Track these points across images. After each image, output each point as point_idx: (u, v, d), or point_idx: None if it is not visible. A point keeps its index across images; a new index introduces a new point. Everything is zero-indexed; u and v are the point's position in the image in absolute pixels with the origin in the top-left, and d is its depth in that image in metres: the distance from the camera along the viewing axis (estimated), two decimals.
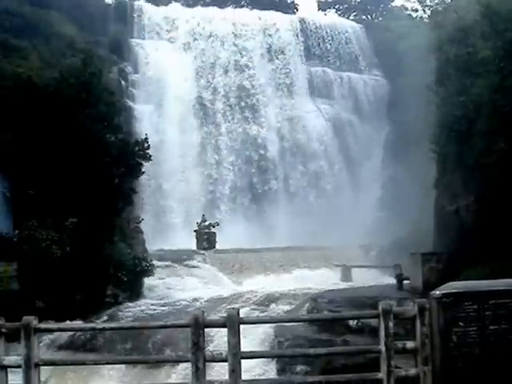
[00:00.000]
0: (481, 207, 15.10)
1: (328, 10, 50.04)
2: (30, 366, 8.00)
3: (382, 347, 7.94)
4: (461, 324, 7.73)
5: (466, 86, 15.66)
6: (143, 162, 20.87)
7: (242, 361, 7.89)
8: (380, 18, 46.30)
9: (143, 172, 21.38)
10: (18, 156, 17.18)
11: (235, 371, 7.81)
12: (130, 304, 18.37)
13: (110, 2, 37.01)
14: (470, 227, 15.50)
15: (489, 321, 7.72)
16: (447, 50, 17.41)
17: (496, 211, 14.19)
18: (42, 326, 8.48)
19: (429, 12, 22.88)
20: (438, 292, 7.93)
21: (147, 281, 20.28)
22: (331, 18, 46.64)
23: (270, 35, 38.80)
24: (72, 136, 17.84)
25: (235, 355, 7.83)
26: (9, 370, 8.23)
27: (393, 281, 17.21)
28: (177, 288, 20.91)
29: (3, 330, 8.14)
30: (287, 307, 16.13)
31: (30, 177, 17.49)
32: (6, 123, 17.33)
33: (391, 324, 7.94)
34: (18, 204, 17.87)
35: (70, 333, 14.22)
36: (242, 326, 8.00)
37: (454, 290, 7.90)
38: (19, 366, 8.08)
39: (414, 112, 24.09)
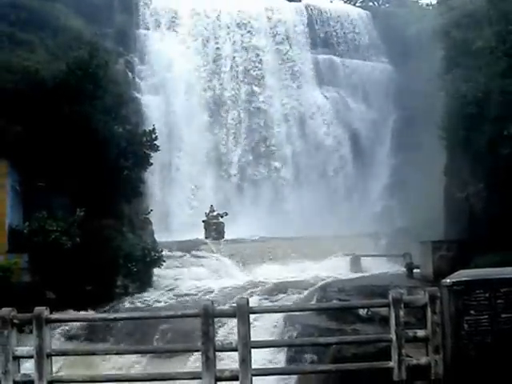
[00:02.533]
0: (491, 194, 14.99)
1: None
2: (42, 357, 8.08)
3: (393, 336, 7.93)
4: (472, 312, 7.70)
5: (474, 71, 15.51)
6: (151, 153, 20.89)
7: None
8: (387, 5, 45.77)
9: (151, 163, 21.39)
10: (28, 148, 17.22)
11: (245, 360, 7.84)
12: (140, 294, 18.45)
13: None
14: (481, 214, 15.40)
15: (501, 309, 7.68)
16: (454, 36, 17.26)
17: (507, 198, 14.08)
18: (54, 316, 8.55)
19: None
20: (448, 280, 7.89)
21: (157, 271, 20.34)
22: (337, 4, 46.09)
23: (275, 23, 38.49)
24: (80, 128, 17.85)
25: (245, 344, 7.85)
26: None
27: (403, 269, 17.17)
28: (186, 278, 20.95)
29: (15, 321, 8.22)
30: (296, 296, 16.14)
31: (40, 169, 17.53)
32: (15, 116, 17.34)
33: (402, 313, 7.93)
34: (27, 196, 17.94)
35: (81, 323, 14.30)
36: (251, 316, 8.02)
37: (465, 278, 7.87)
38: (31, 357, 8.16)
39: (422, 99, 23.90)
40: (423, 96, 22.91)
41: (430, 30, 21.13)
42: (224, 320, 12.20)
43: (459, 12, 17.64)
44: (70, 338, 14.40)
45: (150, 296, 18.34)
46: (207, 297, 17.24)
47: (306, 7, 40.42)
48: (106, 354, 11.17)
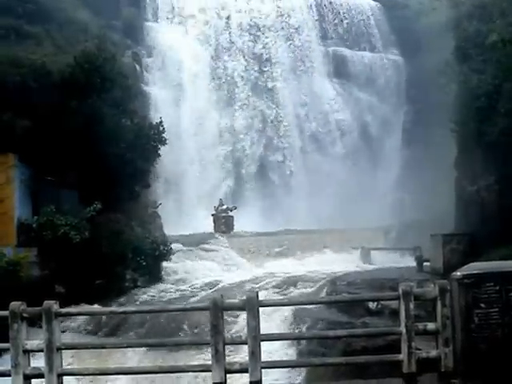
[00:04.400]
0: (502, 187, 14.88)
1: None
2: (51, 350, 8.09)
3: (403, 329, 7.88)
4: (482, 305, 7.63)
5: (486, 63, 15.36)
6: (159, 146, 20.88)
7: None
8: None
9: (159, 155, 21.38)
10: (36, 142, 17.25)
11: (255, 353, 7.82)
12: (149, 288, 18.50)
13: None
14: (492, 207, 15.29)
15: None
16: (466, 27, 17.09)
17: None
18: (63, 310, 8.56)
19: None
20: (459, 273, 7.82)
21: (166, 265, 20.37)
22: None
23: (285, 15, 38.30)
24: (87, 121, 17.87)
25: (255, 338, 7.83)
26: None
27: (413, 263, 17.10)
28: (195, 272, 20.99)
29: (25, 314, 8.22)
30: (306, 290, 16.12)
31: (48, 163, 17.58)
32: (23, 110, 17.39)
33: (412, 306, 7.88)
34: (36, 190, 18.00)
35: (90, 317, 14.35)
36: (261, 309, 7.99)
37: (475, 271, 7.79)
38: (41, 350, 8.18)
39: (433, 91, 23.69)
40: (434, 88, 22.70)
41: (441, 21, 20.93)
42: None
43: (471, 4, 17.45)
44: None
45: (159, 289, 18.38)
46: (216, 289, 17.26)
47: None
48: (116, 347, 11.18)
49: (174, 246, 21.12)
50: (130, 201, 20.52)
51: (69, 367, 9.58)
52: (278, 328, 12.25)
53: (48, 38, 20.96)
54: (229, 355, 8.28)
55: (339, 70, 38.27)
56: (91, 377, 10.68)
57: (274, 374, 9.85)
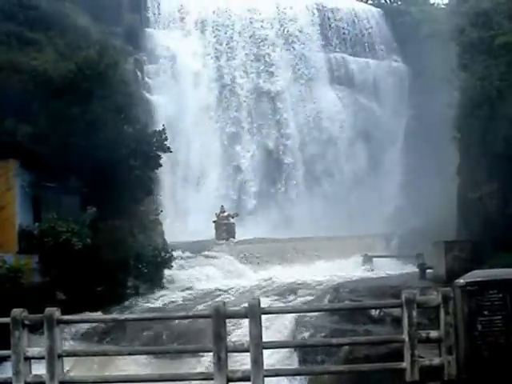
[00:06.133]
0: (505, 194, 14.85)
1: None
2: (53, 357, 8.05)
3: (406, 337, 7.84)
4: (486, 313, 7.61)
5: (489, 69, 15.35)
6: (161, 154, 20.88)
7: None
8: (399, 2, 45.48)
9: (161, 164, 21.38)
10: (37, 149, 17.26)
11: (257, 361, 7.78)
12: (151, 295, 18.45)
13: None
14: (495, 215, 15.26)
15: None
16: (469, 34, 17.07)
17: None
18: (65, 317, 8.52)
19: None
20: (462, 280, 7.79)
21: (167, 272, 20.33)
22: (349, 2, 45.79)
23: (286, 21, 38.34)
24: (89, 128, 17.87)
25: (257, 345, 7.79)
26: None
27: (415, 270, 17.05)
28: (197, 279, 20.96)
29: (26, 321, 8.19)
30: (309, 297, 16.07)
31: (50, 170, 17.58)
32: (24, 117, 17.41)
33: (414, 313, 7.83)
34: (38, 197, 17.99)
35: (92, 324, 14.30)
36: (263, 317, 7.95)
37: (478, 279, 7.77)
38: (43, 358, 8.13)
39: (435, 98, 23.74)
40: (437, 95, 22.74)
41: (443, 27, 20.97)
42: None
43: (474, 10, 17.45)
44: None
45: (160, 297, 18.34)
46: (218, 297, 17.21)
47: (318, 5, 40.14)
48: (118, 354, 11.13)
49: (175, 253, 21.07)
50: (132, 207, 20.49)
51: (70, 375, 9.53)
52: (280, 336, 12.20)
53: (49, 44, 20.92)
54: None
55: (341, 76, 38.31)
56: None
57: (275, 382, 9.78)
